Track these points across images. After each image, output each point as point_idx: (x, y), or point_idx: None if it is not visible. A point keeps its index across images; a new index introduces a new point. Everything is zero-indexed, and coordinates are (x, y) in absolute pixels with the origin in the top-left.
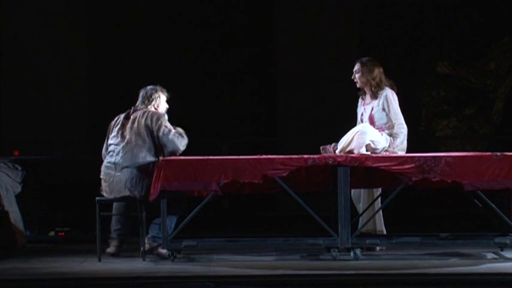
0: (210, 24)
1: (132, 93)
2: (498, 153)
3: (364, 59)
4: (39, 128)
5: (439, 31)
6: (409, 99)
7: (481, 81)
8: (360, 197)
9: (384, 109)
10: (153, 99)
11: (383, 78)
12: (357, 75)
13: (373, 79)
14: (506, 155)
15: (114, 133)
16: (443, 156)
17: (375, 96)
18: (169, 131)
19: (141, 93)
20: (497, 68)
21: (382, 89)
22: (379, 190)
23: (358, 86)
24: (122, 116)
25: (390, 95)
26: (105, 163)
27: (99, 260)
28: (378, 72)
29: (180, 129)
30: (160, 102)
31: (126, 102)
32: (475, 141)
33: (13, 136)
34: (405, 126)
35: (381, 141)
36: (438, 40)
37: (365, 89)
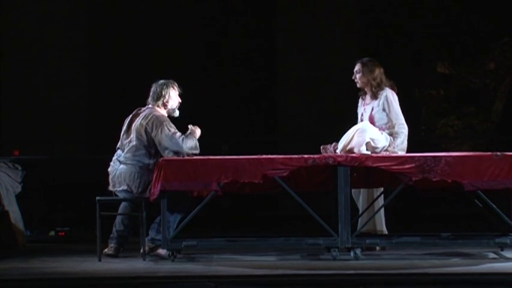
0: (210, 24)
1: (132, 93)
2: (498, 153)
3: (365, 59)
4: (39, 128)
5: (439, 31)
6: (409, 99)
7: (481, 81)
8: (359, 194)
9: (384, 109)
10: (161, 96)
11: (383, 78)
12: (357, 76)
13: (374, 79)
14: (506, 155)
15: (123, 129)
16: (444, 156)
17: (375, 96)
18: (173, 133)
19: (152, 88)
20: (497, 68)
21: (382, 89)
22: (380, 189)
23: (358, 86)
24: (133, 112)
25: (390, 96)
26: (113, 159)
27: (99, 260)
28: (378, 72)
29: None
30: (170, 98)
31: (126, 102)
32: (474, 139)
33: (13, 136)
34: (406, 126)
35: (381, 139)
36: (438, 40)
37: (365, 89)
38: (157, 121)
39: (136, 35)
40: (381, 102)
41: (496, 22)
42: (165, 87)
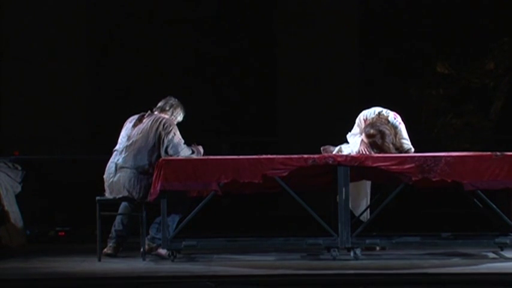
0: (210, 25)
1: (132, 93)
2: (498, 153)
3: (383, 128)
4: (39, 128)
5: (439, 31)
6: (409, 98)
7: (481, 81)
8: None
9: None
10: (174, 110)
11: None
12: (370, 139)
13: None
14: (506, 155)
15: (123, 133)
16: (443, 156)
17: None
18: (179, 139)
19: (166, 99)
20: (497, 68)
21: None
22: (366, 184)
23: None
24: (137, 116)
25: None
26: (108, 162)
27: (99, 260)
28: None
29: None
30: (176, 117)
31: (126, 102)
32: (474, 137)
33: (13, 136)
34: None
35: None
36: (438, 40)
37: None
38: (168, 123)
39: (136, 35)
40: None
41: (496, 22)
42: (177, 105)
